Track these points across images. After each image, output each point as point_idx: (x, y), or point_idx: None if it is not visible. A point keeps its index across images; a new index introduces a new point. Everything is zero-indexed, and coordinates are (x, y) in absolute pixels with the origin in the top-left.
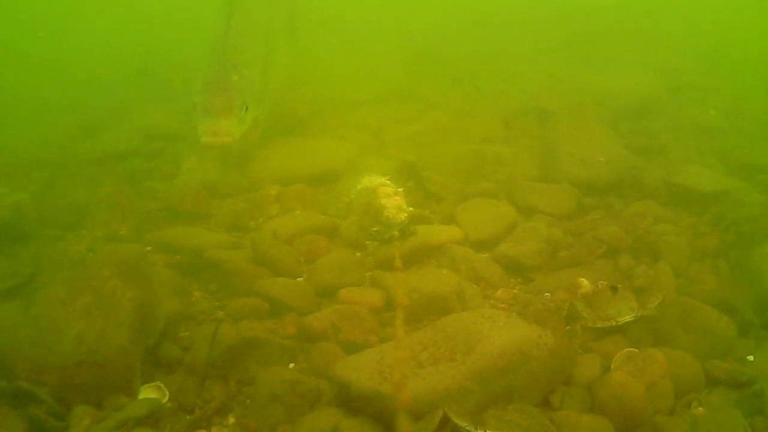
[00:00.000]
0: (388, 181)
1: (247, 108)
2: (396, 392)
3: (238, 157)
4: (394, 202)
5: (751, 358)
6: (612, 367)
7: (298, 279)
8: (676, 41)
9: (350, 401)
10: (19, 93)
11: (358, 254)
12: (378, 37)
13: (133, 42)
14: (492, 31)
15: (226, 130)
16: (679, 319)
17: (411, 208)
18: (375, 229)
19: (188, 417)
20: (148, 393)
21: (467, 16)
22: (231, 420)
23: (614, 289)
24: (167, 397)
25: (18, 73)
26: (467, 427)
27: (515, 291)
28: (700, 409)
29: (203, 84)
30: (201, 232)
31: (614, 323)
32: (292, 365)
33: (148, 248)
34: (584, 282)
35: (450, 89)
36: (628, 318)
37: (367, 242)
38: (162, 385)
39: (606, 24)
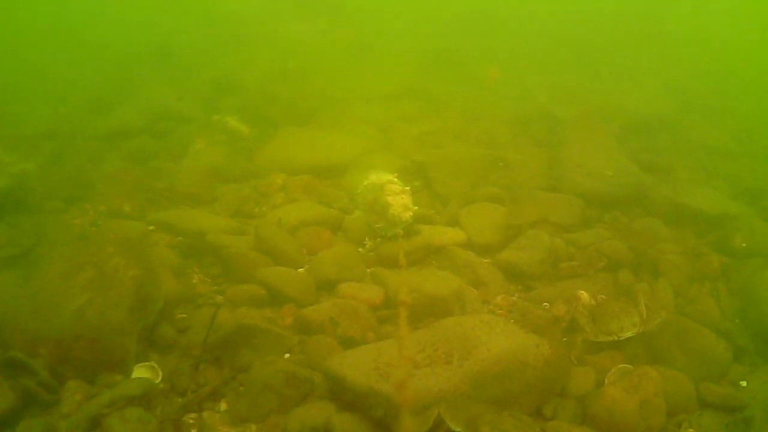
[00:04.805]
0: (395, 179)
1: None
2: (391, 391)
3: (247, 142)
4: (401, 200)
5: (744, 383)
6: (606, 381)
7: (299, 270)
8: (687, 57)
9: (344, 396)
10: (32, 64)
11: (361, 249)
12: (393, 34)
13: (151, 21)
14: (505, 37)
15: None
16: (677, 338)
17: (416, 208)
18: (379, 225)
19: (180, 399)
20: (141, 372)
21: (482, 20)
22: (223, 406)
23: (614, 303)
24: (160, 378)
25: (33, 44)
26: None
27: (515, 298)
28: (691, 430)
29: None
30: (205, 216)
31: (616, 338)
32: (287, 355)
33: (151, 227)
34: (584, 295)
35: (460, 90)
36: (630, 333)
37: (370, 238)
38: (156, 365)
39: (617, 36)
